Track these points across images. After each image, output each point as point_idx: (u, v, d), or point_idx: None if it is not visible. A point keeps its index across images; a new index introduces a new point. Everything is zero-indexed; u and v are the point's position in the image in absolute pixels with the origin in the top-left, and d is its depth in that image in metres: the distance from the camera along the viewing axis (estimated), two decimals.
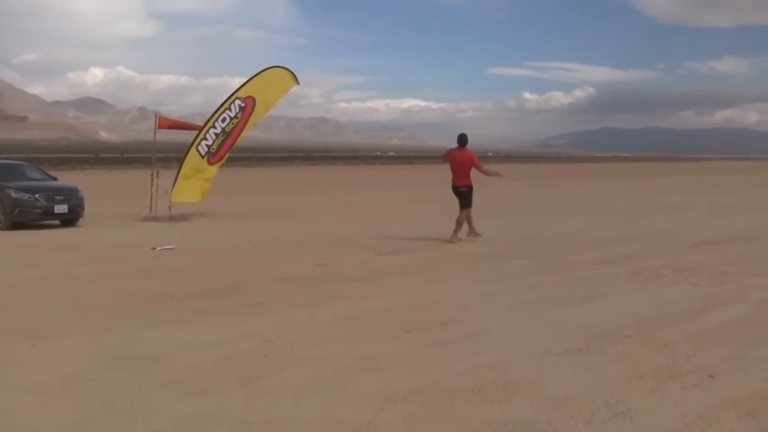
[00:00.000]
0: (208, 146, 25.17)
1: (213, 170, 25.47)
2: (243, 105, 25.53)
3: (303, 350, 8.96)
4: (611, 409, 6.90)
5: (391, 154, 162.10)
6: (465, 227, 19.98)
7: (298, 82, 27.03)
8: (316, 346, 9.13)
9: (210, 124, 25.53)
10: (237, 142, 25.94)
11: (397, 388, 7.44)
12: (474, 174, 20.09)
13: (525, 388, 7.50)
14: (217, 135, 25.26)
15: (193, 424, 6.56)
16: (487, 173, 20.81)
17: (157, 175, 25.29)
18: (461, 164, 20.07)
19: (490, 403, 7.05)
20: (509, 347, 9.10)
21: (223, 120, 25.43)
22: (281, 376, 7.91)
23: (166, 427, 6.47)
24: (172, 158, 41.04)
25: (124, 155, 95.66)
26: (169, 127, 27.23)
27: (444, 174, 20.87)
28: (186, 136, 27.83)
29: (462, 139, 20.39)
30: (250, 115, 25.69)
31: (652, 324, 10.36)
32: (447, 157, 20.58)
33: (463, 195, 20.01)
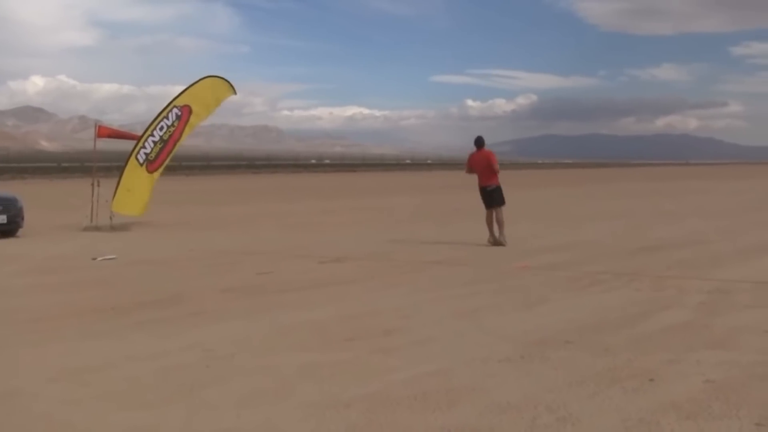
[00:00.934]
0: (147, 154, 25.18)
1: (152, 179, 25.36)
2: (180, 113, 25.57)
3: (245, 360, 8.92)
4: (553, 415, 6.94)
5: (327, 162, 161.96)
6: (498, 229, 20.35)
7: (235, 92, 27.24)
8: (258, 356, 9.09)
9: (148, 132, 25.53)
10: (174, 149, 25.91)
11: (339, 397, 7.43)
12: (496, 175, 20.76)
13: (467, 394, 7.53)
14: (155, 143, 25.27)
15: None
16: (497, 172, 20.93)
17: (98, 185, 25.10)
18: (482, 165, 20.74)
19: (432, 410, 7.06)
20: (452, 355, 9.12)
21: (161, 128, 25.44)
22: (223, 386, 7.86)
23: None
24: (113, 167, 40.71)
25: (61, 164, 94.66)
26: (109, 136, 27.08)
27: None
28: (126, 145, 27.65)
29: (478, 142, 21.05)
30: (187, 123, 25.74)
31: (593, 329, 10.44)
32: (468, 162, 21.31)
33: (493, 194, 20.57)
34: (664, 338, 9.94)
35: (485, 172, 20.68)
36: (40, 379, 8.16)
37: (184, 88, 26.64)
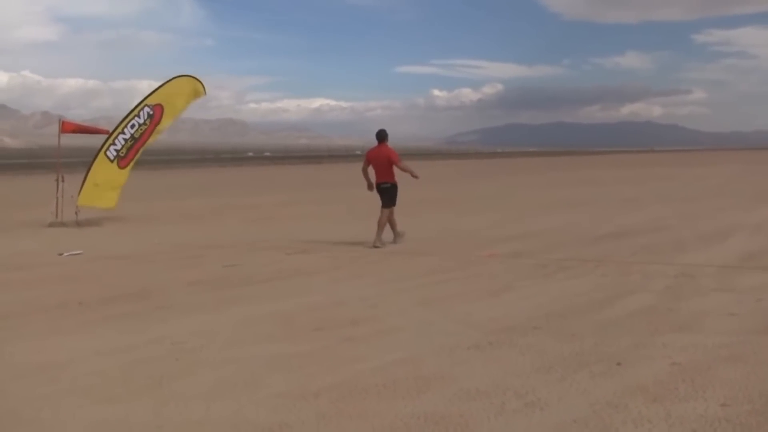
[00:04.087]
0: (117, 151, 25.11)
1: (124, 174, 25.30)
2: (152, 112, 25.50)
3: (213, 353, 8.91)
4: (521, 400, 7.00)
5: (267, 154, 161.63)
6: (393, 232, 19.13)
7: (206, 92, 27.19)
8: (226, 348, 9.09)
9: (119, 130, 25.44)
10: (144, 147, 25.85)
11: (308, 387, 7.45)
12: (400, 173, 19.42)
13: (436, 382, 7.56)
14: (126, 140, 25.21)
15: (104, 430, 6.50)
16: (404, 169, 19.46)
17: (63, 181, 24.92)
18: (380, 161, 19.38)
19: (401, 398, 7.09)
20: (419, 343, 9.16)
21: (132, 126, 25.39)
22: (192, 379, 7.86)
23: None
24: (77, 163, 40.44)
25: (23, 161, 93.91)
26: (73, 131, 26.86)
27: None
28: (91, 140, 27.45)
29: (379, 135, 19.74)
30: (159, 122, 25.69)
31: (559, 315, 10.51)
32: (366, 157, 19.88)
33: (385, 192, 19.24)
34: (630, 323, 10.03)
35: (382, 169, 19.31)
36: (6, 376, 8.11)
37: (153, 84, 26.63)
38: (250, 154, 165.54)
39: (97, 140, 26.38)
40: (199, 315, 11.05)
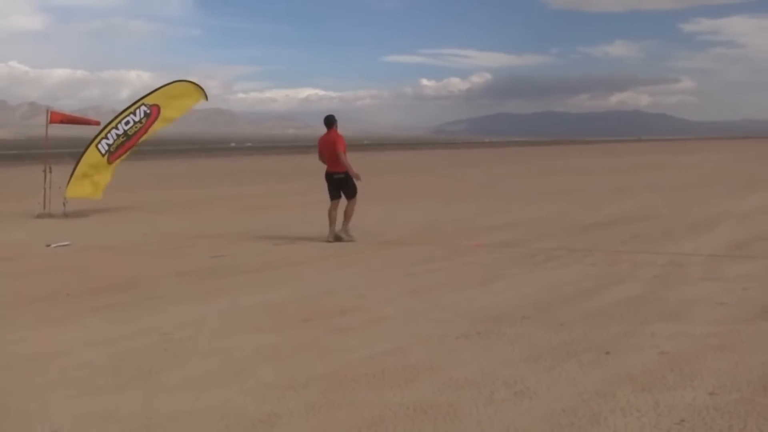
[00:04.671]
0: (109, 145, 25.09)
1: (112, 169, 25.27)
2: (149, 112, 25.49)
3: (202, 343, 8.91)
4: (510, 389, 7.00)
5: (248, 144, 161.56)
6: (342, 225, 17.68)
7: (206, 98, 27.09)
8: (215, 339, 9.08)
9: (113, 124, 25.41)
10: (136, 146, 25.84)
11: (297, 377, 7.45)
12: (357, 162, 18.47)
13: (425, 372, 7.57)
14: (118, 136, 25.19)
15: (92, 421, 6.48)
16: (346, 164, 17.69)
17: (50, 171, 24.85)
18: (329, 148, 17.95)
19: (390, 388, 7.10)
20: (408, 332, 9.16)
21: (127, 123, 25.36)
22: (181, 369, 7.86)
23: (64, 426, 6.38)
24: (64, 154, 40.32)
25: (11, 153, 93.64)
26: (62, 122, 26.79)
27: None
28: (79, 130, 27.38)
29: (327, 121, 18.29)
30: (154, 122, 25.65)
31: (548, 304, 10.53)
32: (318, 145, 18.54)
33: (341, 183, 17.84)
34: (619, 312, 10.05)
35: (333, 157, 17.77)
36: None
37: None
38: (233, 144, 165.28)
39: (85, 131, 26.34)
40: (188, 305, 11.04)
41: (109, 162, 25.12)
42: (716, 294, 11.02)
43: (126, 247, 17.34)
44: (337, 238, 17.27)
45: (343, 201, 17.88)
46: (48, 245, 17.40)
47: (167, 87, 26.45)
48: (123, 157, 25.50)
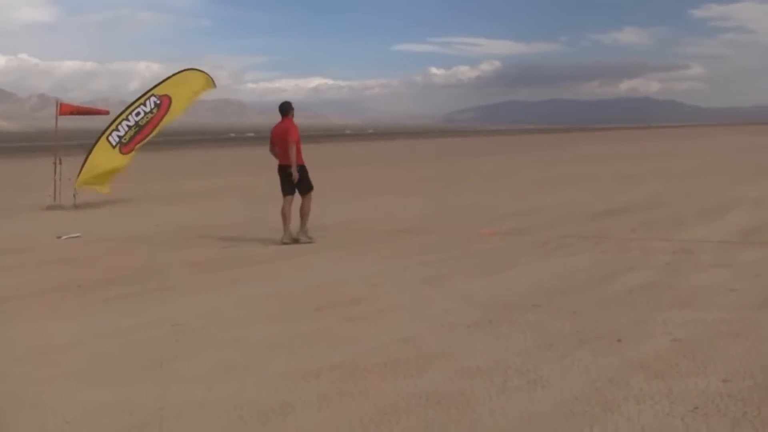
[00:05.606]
0: (120, 137, 25.11)
1: (125, 160, 25.29)
2: (159, 102, 25.49)
3: (214, 333, 8.91)
4: (523, 378, 6.99)
5: (250, 135, 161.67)
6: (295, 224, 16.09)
7: (215, 86, 27.09)
8: (227, 329, 9.08)
9: (123, 116, 25.42)
10: (149, 136, 25.80)
11: (309, 367, 7.45)
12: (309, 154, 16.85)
13: (437, 360, 7.56)
14: (129, 127, 25.21)
15: (105, 412, 6.49)
16: (294, 155, 15.87)
17: (60, 163, 24.90)
18: (281, 138, 16.16)
19: (402, 377, 7.09)
20: (420, 321, 9.16)
21: (137, 114, 25.38)
22: (193, 360, 7.86)
23: (77, 417, 6.39)
24: (74, 146, 40.38)
25: (21, 145, 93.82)
26: (71, 113, 26.83)
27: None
28: (89, 122, 27.39)
29: (282, 108, 16.54)
30: (166, 113, 25.66)
31: (560, 292, 10.51)
32: (270, 134, 16.79)
33: (292, 177, 16.01)
34: (631, 299, 10.03)
35: (285, 148, 16.00)
36: (7, 360, 8.12)
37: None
38: (232, 135, 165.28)
39: (95, 122, 26.36)
40: (199, 296, 11.05)
41: (123, 153, 25.14)
42: (728, 280, 10.99)
43: (137, 238, 17.36)
44: (294, 240, 15.79)
45: (298, 199, 16.18)
46: (59, 237, 17.43)
47: (176, 76, 26.45)
48: (137, 147, 25.52)
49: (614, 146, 72.66)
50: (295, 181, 15.95)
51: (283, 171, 16.12)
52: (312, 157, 17.62)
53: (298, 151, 15.95)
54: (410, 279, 11.76)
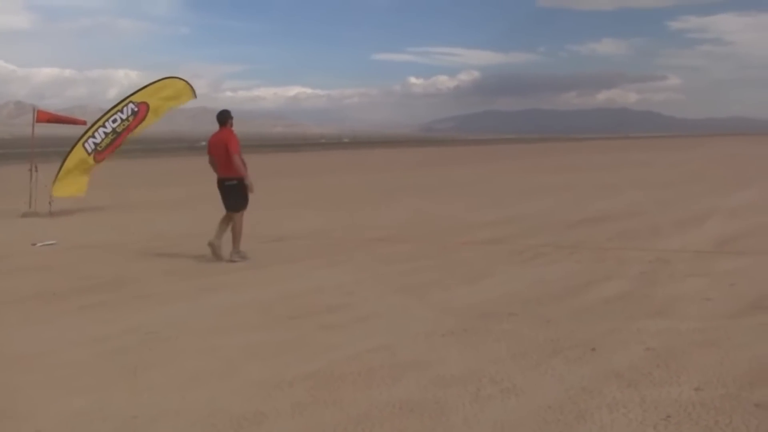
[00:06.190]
0: (96, 144, 24.92)
1: (95, 166, 25.18)
2: (136, 109, 25.29)
3: (188, 342, 8.89)
4: (497, 386, 7.01)
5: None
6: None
7: (195, 95, 26.86)
8: (201, 337, 9.07)
9: (100, 123, 25.27)
10: (123, 143, 25.69)
11: (284, 375, 7.44)
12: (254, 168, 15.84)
13: (411, 369, 7.57)
14: (106, 134, 25.02)
15: (78, 420, 6.47)
16: (239, 167, 14.85)
17: (36, 170, 24.77)
18: (219, 149, 15.05)
19: (377, 386, 7.10)
20: (395, 330, 9.17)
21: (114, 121, 25.19)
22: (167, 368, 7.84)
23: (48, 426, 6.38)
24: (51, 153, 40.18)
25: None
26: (48, 121, 26.68)
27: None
28: (66, 130, 27.23)
29: (220, 117, 15.32)
30: (143, 120, 25.47)
31: (535, 301, 10.54)
32: (207, 144, 15.62)
33: (230, 192, 15.13)
34: (605, 308, 10.08)
35: (223, 160, 14.97)
36: None
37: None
38: (203, 143, 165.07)
39: (72, 130, 26.22)
40: (175, 304, 11.03)
41: (96, 161, 25.00)
42: (703, 290, 11.06)
43: (113, 246, 17.29)
44: (215, 252, 14.73)
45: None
46: (34, 244, 17.34)
47: (156, 84, 26.27)
48: (108, 157, 25.41)
49: (592, 156, 72.90)
50: (251, 191, 15.06)
51: (222, 184, 15.17)
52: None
53: (235, 163, 14.81)
54: (386, 287, 11.76)
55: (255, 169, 16.01)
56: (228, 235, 14.97)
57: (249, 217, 15.52)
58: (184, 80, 26.89)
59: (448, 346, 8.42)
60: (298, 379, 7.31)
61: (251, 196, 15.01)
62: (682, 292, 10.99)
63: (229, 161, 14.81)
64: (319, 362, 7.88)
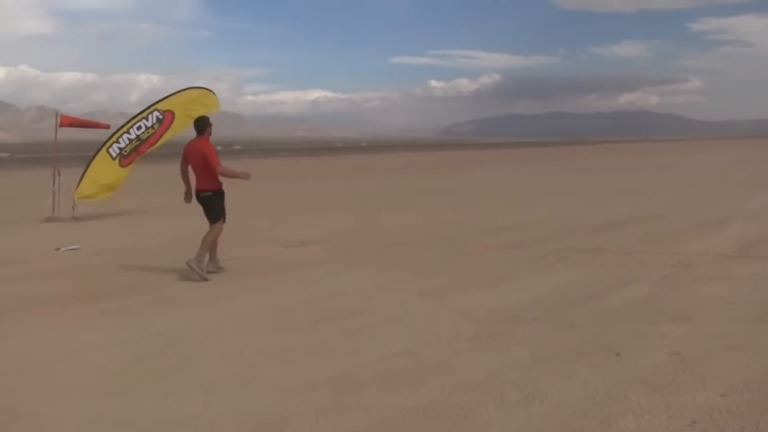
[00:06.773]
0: (120, 149, 24.95)
1: (124, 172, 25.17)
2: (162, 117, 25.25)
3: (212, 346, 8.90)
4: (521, 392, 6.99)
5: (237, 147, 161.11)
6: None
7: (219, 107, 26.67)
8: (224, 342, 9.08)
9: (124, 129, 25.27)
10: (149, 150, 25.64)
11: (307, 379, 7.44)
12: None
13: (435, 374, 7.56)
14: (131, 140, 25.02)
15: (102, 424, 6.49)
16: (229, 175, 14.52)
17: (59, 175, 24.85)
18: (196, 159, 14.32)
19: (400, 390, 7.09)
20: (418, 335, 9.15)
21: (139, 128, 25.18)
22: (190, 373, 7.85)
23: (74, 429, 6.40)
24: (73, 157, 40.34)
25: (21, 156, 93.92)
26: (71, 125, 26.74)
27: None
28: (89, 134, 27.26)
29: (197, 125, 14.64)
30: (168, 128, 25.42)
31: (558, 306, 10.51)
32: (183, 152, 14.69)
33: (206, 203, 14.70)
34: (629, 313, 10.03)
35: (200, 171, 14.35)
36: (4, 372, 8.10)
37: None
38: (219, 148, 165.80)
39: (95, 134, 26.25)
40: (198, 308, 11.04)
41: (122, 165, 25.02)
42: (726, 294, 11.00)
43: (135, 250, 17.34)
44: (218, 268, 14.37)
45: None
46: (57, 249, 17.40)
47: (181, 93, 26.23)
48: (137, 160, 25.44)
49: (613, 159, 72.71)
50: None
51: (199, 197, 14.65)
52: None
53: (222, 174, 14.33)
54: (408, 292, 11.74)
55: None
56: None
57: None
58: (209, 89, 26.81)
59: (471, 351, 8.40)
60: (321, 384, 7.31)
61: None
62: (705, 296, 10.94)
63: (206, 173, 14.27)
64: (342, 366, 7.88)
